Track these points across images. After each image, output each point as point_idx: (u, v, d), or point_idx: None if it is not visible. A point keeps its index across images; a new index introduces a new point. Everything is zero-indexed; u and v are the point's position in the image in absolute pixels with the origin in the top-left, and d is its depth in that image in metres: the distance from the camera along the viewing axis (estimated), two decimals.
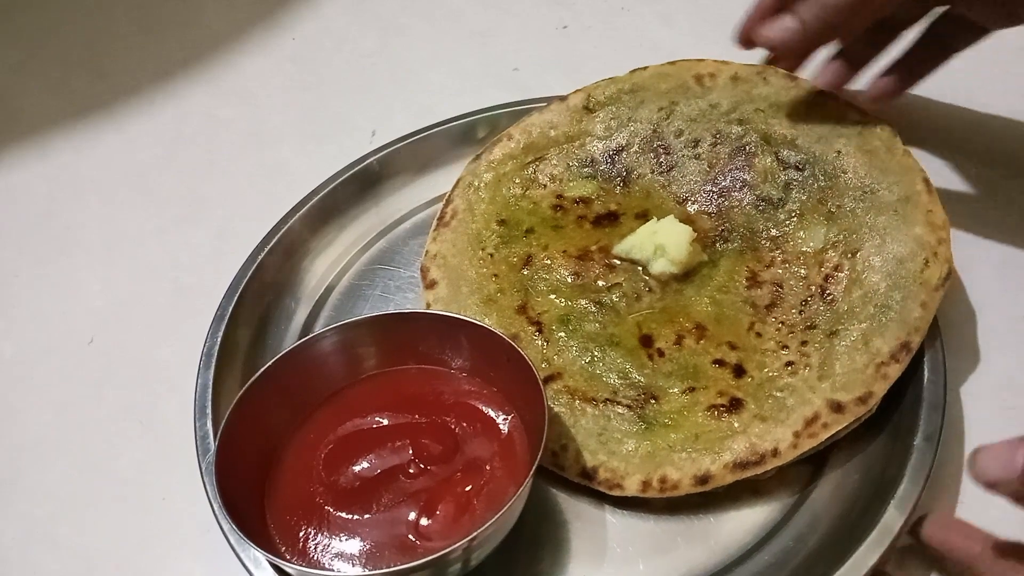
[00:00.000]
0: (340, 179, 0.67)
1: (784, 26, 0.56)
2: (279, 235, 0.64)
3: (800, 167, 0.61)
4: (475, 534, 0.44)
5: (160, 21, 0.95)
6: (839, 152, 0.60)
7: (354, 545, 0.47)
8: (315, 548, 0.47)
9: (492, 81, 0.78)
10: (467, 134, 0.71)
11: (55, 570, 0.55)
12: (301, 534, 0.48)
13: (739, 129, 0.64)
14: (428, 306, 0.61)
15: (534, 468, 0.46)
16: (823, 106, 0.62)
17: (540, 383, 0.49)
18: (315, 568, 0.46)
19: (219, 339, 0.58)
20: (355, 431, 0.51)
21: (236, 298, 0.60)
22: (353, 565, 0.46)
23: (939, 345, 0.53)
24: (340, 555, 0.47)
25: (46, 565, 0.55)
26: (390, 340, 0.53)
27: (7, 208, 0.77)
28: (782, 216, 0.60)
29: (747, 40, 0.60)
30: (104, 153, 0.81)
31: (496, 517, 0.44)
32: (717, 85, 0.66)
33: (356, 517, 0.48)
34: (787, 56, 0.62)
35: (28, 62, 0.91)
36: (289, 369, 0.51)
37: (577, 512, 0.53)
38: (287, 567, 0.45)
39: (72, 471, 0.59)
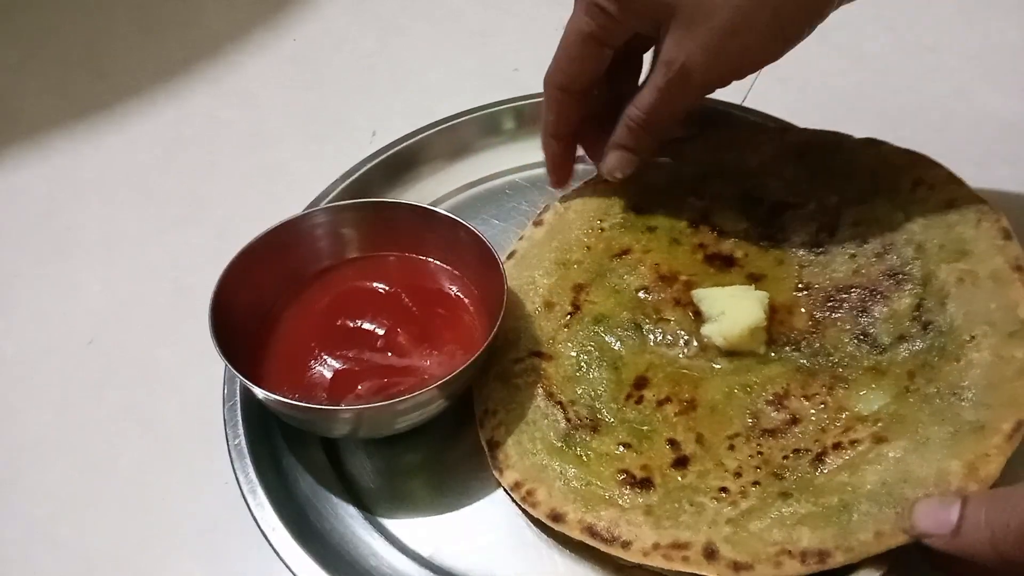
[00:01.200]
0: (344, 182, 0.68)
1: (622, 160, 0.60)
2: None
3: (927, 328, 0.52)
4: (357, 407, 0.52)
5: (160, 22, 0.95)
6: (974, 337, 0.50)
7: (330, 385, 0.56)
8: (296, 387, 0.56)
9: (492, 81, 0.75)
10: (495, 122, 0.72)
11: (55, 570, 0.55)
12: (283, 371, 0.56)
13: (910, 254, 0.55)
14: (520, 239, 0.65)
15: (435, 384, 0.51)
16: (1005, 281, 0.51)
17: (503, 272, 0.54)
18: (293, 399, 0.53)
19: None
20: (353, 296, 0.59)
21: None
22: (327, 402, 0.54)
23: None
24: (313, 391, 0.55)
25: (46, 565, 0.55)
26: (373, 226, 0.60)
27: (7, 208, 0.77)
28: (867, 363, 0.53)
29: (563, 183, 0.65)
30: (104, 154, 0.81)
31: (374, 405, 0.51)
32: (928, 201, 0.56)
33: (330, 362, 0.57)
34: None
35: (28, 62, 0.91)
36: (282, 239, 0.58)
37: (482, 473, 0.56)
38: (253, 388, 0.52)
39: (72, 471, 0.59)
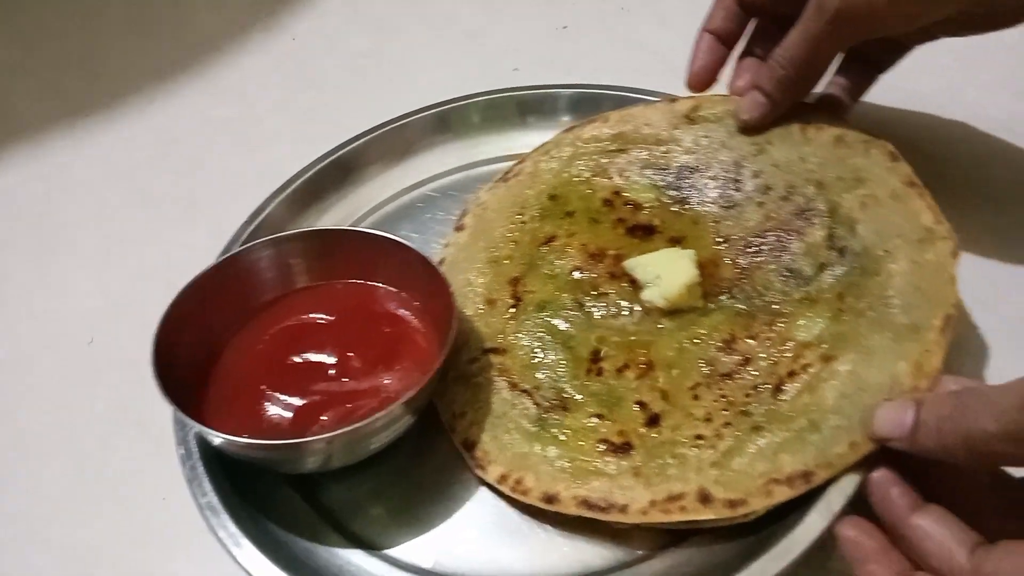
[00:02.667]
0: (316, 167, 0.70)
1: (755, 102, 0.61)
2: (257, 221, 0.66)
3: (844, 252, 0.56)
4: (326, 436, 0.50)
5: (155, 22, 0.95)
6: (888, 251, 0.54)
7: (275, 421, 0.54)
8: (237, 423, 0.54)
9: (492, 81, 0.76)
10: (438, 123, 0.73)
11: (53, 570, 0.55)
12: (232, 413, 0.54)
13: (812, 191, 0.59)
14: (446, 246, 0.66)
15: (402, 399, 0.51)
16: (904, 197, 0.56)
17: (452, 296, 0.54)
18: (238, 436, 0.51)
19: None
20: (295, 331, 0.58)
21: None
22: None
23: (846, 496, 0.48)
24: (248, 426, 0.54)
25: (44, 565, 0.55)
26: (321, 255, 0.59)
27: (6, 208, 0.77)
28: (798, 295, 0.56)
29: (699, 86, 0.65)
30: (100, 153, 0.81)
31: (346, 429, 0.50)
32: (818, 140, 0.61)
33: (277, 397, 0.55)
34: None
35: (24, 62, 0.91)
36: (227, 275, 0.58)
37: (460, 478, 0.56)
38: (209, 434, 0.51)
39: (70, 471, 0.59)
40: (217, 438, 0.51)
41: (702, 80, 0.65)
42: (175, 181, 0.78)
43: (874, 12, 0.54)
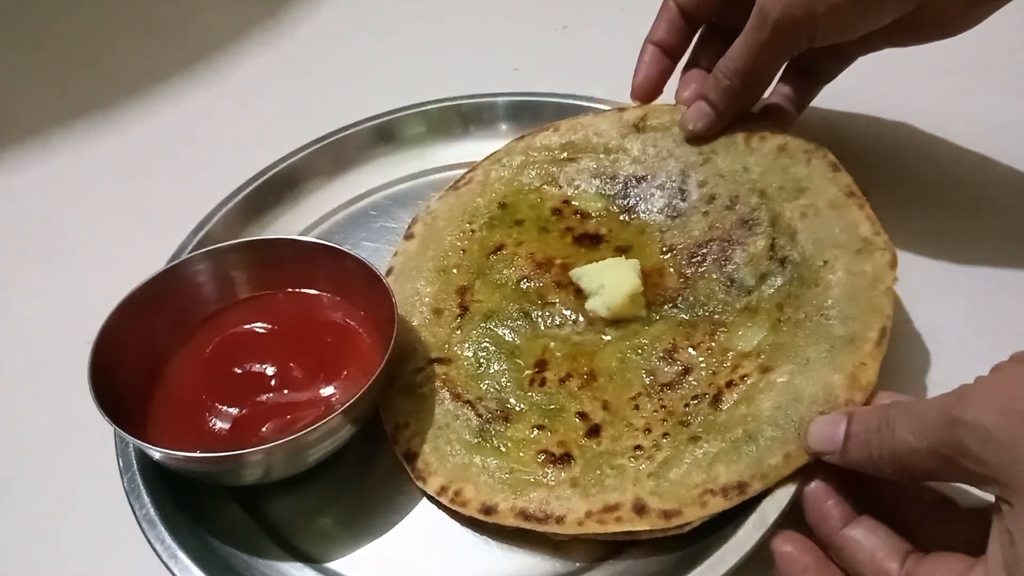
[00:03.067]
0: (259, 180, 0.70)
1: (701, 112, 0.62)
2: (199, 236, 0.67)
3: (784, 263, 0.56)
4: (265, 447, 0.50)
5: (160, 22, 0.96)
6: (826, 262, 0.55)
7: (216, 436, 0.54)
8: (182, 437, 0.54)
9: (492, 81, 0.76)
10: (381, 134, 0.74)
11: (55, 570, 0.55)
12: (177, 427, 0.54)
13: (755, 201, 0.60)
14: (395, 255, 0.65)
15: (340, 409, 0.50)
16: (843, 207, 0.56)
17: (389, 289, 0.55)
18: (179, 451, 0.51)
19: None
20: (235, 342, 0.58)
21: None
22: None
23: (780, 508, 0.48)
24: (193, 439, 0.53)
25: (46, 565, 0.55)
26: (259, 265, 0.59)
27: (7, 208, 0.78)
28: (739, 305, 0.57)
29: (643, 98, 0.66)
30: (104, 154, 0.81)
31: (284, 439, 0.49)
32: (762, 149, 0.61)
33: (218, 408, 0.55)
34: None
35: (28, 63, 0.92)
36: (163, 289, 0.57)
37: (403, 488, 0.56)
38: (148, 449, 0.51)
39: (72, 471, 0.59)
40: (156, 452, 0.51)
41: (646, 92, 0.66)
42: (179, 181, 0.78)
43: (814, 21, 0.54)
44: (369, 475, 0.57)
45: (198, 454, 0.51)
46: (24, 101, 0.88)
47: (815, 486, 0.47)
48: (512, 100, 0.73)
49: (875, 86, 0.70)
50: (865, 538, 0.44)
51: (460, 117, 0.74)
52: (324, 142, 0.72)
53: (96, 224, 0.76)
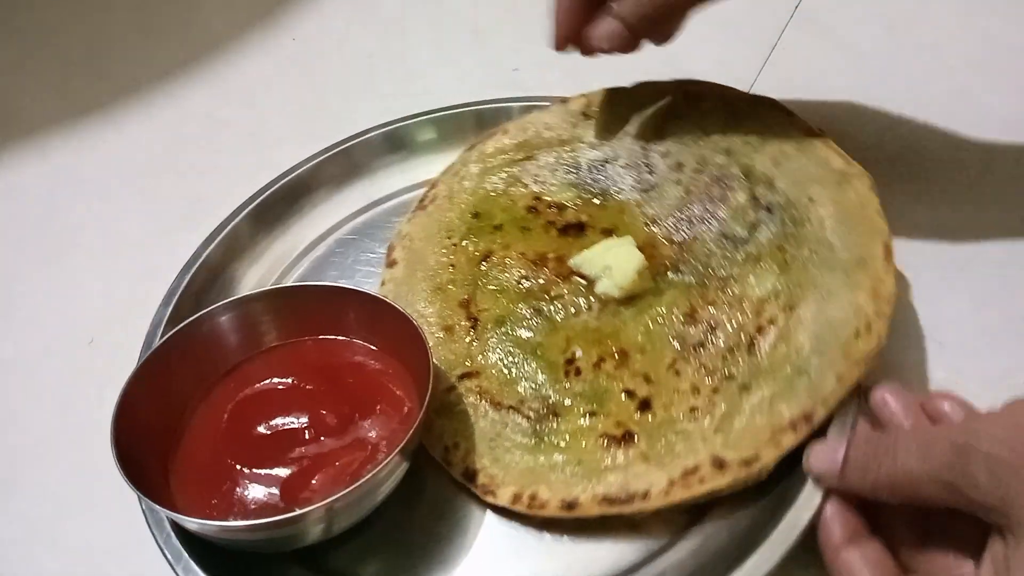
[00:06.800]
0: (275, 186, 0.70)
1: (609, 30, 0.56)
2: (217, 240, 0.66)
3: (771, 209, 0.59)
4: (328, 500, 0.47)
5: (160, 21, 0.95)
6: (812, 199, 0.58)
7: (242, 500, 0.51)
8: (211, 505, 0.51)
9: (492, 81, 0.77)
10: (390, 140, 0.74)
11: (55, 570, 0.54)
12: (202, 494, 0.51)
13: (723, 159, 0.63)
14: (383, 283, 0.64)
15: (401, 445, 0.48)
16: (810, 147, 0.60)
17: (417, 328, 0.53)
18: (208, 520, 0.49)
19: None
20: (255, 401, 0.55)
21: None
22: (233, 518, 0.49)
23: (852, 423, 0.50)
24: (226, 508, 0.50)
25: (46, 565, 0.54)
26: (286, 313, 0.56)
27: (7, 208, 0.78)
28: (740, 256, 0.59)
29: (563, 45, 0.60)
30: (104, 153, 0.81)
31: (349, 488, 0.47)
32: (710, 109, 0.64)
33: (255, 473, 0.52)
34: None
35: (28, 62, 0.91)
36: (188, 341, 0.54)
37: (462, 510, 0.54)
38: (179, 519, 0.48)
39: (72, 471, 0.58)
40: (213, 525, 0.47)
41: (563, 41, 0.61)
42: (179, 181, 0.78)
43: None
44: (415, 509, 0.55)
45: (257, 521, 0.48)
46: (24, 101, 0.88)
47: (830, 505, 0.47)
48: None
49: (879, 84, 0.73)
50: (857, 563, 0.44)
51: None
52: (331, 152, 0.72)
53: (96, 224, 0.75)
